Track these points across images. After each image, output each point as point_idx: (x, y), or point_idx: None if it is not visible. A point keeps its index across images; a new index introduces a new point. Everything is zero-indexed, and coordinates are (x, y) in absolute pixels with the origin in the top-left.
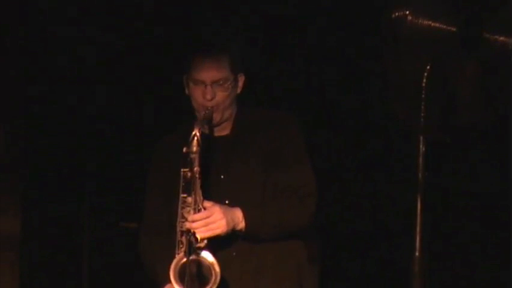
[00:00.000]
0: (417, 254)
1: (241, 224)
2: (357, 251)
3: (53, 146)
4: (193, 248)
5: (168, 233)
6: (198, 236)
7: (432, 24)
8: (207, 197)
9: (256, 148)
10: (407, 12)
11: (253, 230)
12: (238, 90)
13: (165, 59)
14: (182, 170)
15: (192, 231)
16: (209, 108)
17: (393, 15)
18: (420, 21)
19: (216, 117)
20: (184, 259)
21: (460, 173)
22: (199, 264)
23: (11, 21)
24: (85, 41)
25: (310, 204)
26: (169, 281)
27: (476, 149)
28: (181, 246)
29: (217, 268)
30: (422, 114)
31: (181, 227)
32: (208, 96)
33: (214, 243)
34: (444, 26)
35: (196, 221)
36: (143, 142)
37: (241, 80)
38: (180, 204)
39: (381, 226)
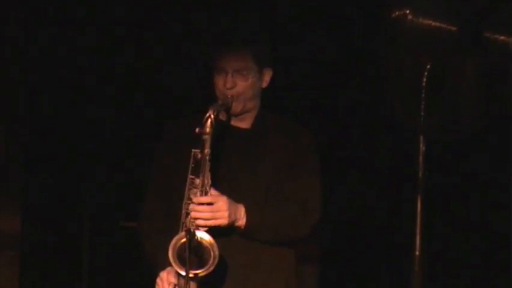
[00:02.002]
0: (417, 253)
1: (241, 221)
2: (357, 251)
3: (53, 146)
4: (193, 243)
5: (172, 217)
6: (196, 233)
7: (433, 23)
8: (213, 183)
9: (271, 150)
10: (407, 11)
11: (252, 230)
12: (264, 85)
13: (168, 58)
14: (193, 150)
15: (192, 230)
16: (228, 96)
17: (393, 15)
18: (420, 20)
19: (237, 107)
20: (184, 239)
21: (460, 173)
22: (199, 245)
23: (10, 21)
24: (85, 41)
25: (312, 218)
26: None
27: (476, 149)
28: (185, 227)
29: (216, 250)
30: (422, 114)
31: (187, 209)
32: (228, 85)
33: (211, 231)
34: (445, 26)
35: (202, 203)
36: (143, 142)
37: (267, 74)
38: (188, 186)
39: (381, 225)
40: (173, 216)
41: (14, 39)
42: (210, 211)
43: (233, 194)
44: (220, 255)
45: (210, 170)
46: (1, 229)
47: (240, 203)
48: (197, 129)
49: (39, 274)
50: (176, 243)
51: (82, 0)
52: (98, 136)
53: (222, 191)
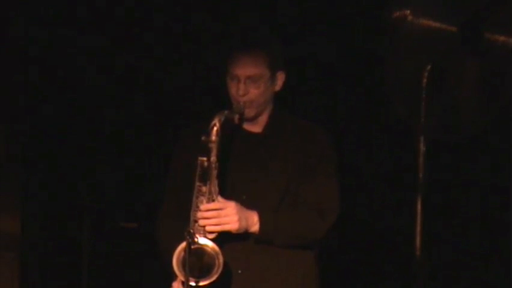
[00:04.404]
0: (417, 254)
1: (255, 227)
2: (357, 251)
3: (53, 146)
4: (192, 244)
5: (188, 219)
6: (202, 234)
7: (433, 24)
8: (226, 187)
9: (285, 153)
10: (407, 12)
11: (266, 235)
12: (277, 88)
13: (168, 59)
14: (199, 158)
15: (191, 231)
16: (241, 103)
17: (393, 15)
18: (420, 21)
19: (249, 112)
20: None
21: (460, 173)
22: (203, 253)
23: (11, 20)
24: (86, 41)
25: (329, 220)
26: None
27: (476, 149)
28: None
29: (221, 258)
30: (422, 114)
31: (195, 216)
32: (241, 92)
33: (224, 236)
34: (445, 26)
35: (209, 210)
36: (143, 142)
37: (280, 77)
38: (195, 193)
39: (381, 226)
40: (189, 217)
41: (14, 39)
42: (217, 217)
43: (246, 199)
44: (225, 263)
45: (217, 178)
46: (1, 229)
47: (253, 209)
48: (202, 138)
49: (39, 275)
50: (180, 252)
51: (82, 0)
52: (98, 136)
53: (235, 196)
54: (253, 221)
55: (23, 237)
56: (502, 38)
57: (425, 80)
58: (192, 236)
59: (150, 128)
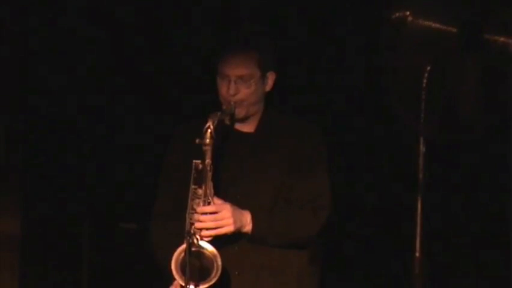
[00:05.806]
0: (417, 254)
1: (248, 227)
2: (358, 251)
3: (53, 146)
4: (193, 245)
5: (181, 219)
6: (199, 237)
7: (433, 24)
8: (220, 188)
9: (277, 151)
10: (408, 12)
11: (259, 235)
12: (268, 88)
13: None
14: (194, 161)
15: (192, 231)
16: (232, 103)
17: (394, 16)
18: (420, 21)
19: (240, 112)
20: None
21: (460, 173)
22: (202, 256)
23: (10, 20)
24: (86, 41)
25: (321, 217)
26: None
27: (476, 149)
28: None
29: (219, 261)
30: (422, 115)
31: (191, 219)
32: (231, 91)
33: (219, 237)
34: (445, 27)
35: (205, 213)
36: (142, 143)
37: (271, 78)
38: (190, 196)
39: (380, 226)
40: (182, 218)
41: (14, 39)
42: (213, 220)
43: (240, 199)
44: (223, 266)
45: (212, 180)
46: (1, 230)
47: (246, 209)
48: (197, 140)
49: (39, 275)
50: (179, 255)
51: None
52: (99, 136)
53: (228, 197)
54: (247, 221)
55: (23, 237)
56: (502, 39)
57: (425, 80)
58: (193, 237)
59: (150, 128)
